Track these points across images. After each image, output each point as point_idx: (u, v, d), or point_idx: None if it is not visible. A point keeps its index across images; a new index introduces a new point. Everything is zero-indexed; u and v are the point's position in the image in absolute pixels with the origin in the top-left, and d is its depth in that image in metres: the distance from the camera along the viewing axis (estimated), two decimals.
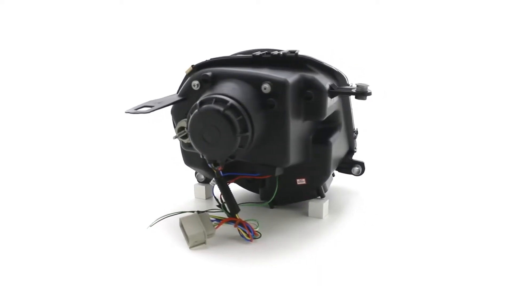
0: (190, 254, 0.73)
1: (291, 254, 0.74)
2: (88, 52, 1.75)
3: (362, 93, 0.78)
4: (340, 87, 0.81)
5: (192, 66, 0.77)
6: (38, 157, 1.15)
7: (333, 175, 0.95)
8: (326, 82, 0.78)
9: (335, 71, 0.82)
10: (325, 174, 0.84)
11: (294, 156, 0.77)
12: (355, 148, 0.97)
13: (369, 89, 0.78)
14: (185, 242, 0.75)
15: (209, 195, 0.93)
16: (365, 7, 1.81)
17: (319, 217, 0.86)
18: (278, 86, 0.72)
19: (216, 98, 0.70)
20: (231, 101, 0.69)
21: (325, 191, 0.88)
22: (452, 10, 1.78)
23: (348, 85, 0.83)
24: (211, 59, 0.78)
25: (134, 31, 1.77)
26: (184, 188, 0.95)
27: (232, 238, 0.77)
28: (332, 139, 0.84)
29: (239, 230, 0.77)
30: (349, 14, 1.81)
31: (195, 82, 0.75)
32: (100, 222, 0.83)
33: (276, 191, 0.84)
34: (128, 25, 1.78)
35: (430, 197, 0.94)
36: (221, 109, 0.68)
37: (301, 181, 0.85)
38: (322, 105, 0.76)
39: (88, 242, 0.76)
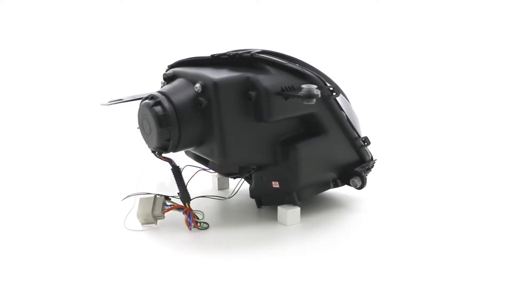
0: (134, 230, 0.81)
1: (216, 250, 0.75)
2: (84, 51, 1.75)
3: (308, 96, 0.73)
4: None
5: (168, 66, 0.86)
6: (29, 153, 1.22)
7: (335, 185, 0.88)
8: (278, 84, 0.75)
9: (302, 72, 0.78)
10: (295, 181, 0.81)
11: (238, 156, 0.78)
12: (373, 160, 0.89)
13: (317, 91, 0.73)
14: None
15: (221, 187, 0.98)
16: (365, 7, 1.74)
17: (284, 224, 0.83)
18: (207, 85, 0.74)
19: (152, 95, 0.77)
20: (160, 98, 0.75)
21: (302, 199, 0.83)
22: (452, 10, 1.74)
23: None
24: (180, 60, 0.85)
25: (134, 31, 1.75)
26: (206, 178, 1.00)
27: (181, 224, 0.82)
28: (301, 144, 0.80)
29: (185, 218, 0.82)
30: (349, 14, 1.75)
31: (162, 81, 0.84)
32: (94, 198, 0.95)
33: (237, 189, 0.85)
34: (128, 24, 1.76)
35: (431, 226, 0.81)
36: (150, 104, 0.76)
37: (275, 184, 0.84)
38: (264, 106, 0.75)
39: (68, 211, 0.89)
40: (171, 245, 0.77)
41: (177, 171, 0.82)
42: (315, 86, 0.73)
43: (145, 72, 0.96)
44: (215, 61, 0.81)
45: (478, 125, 1.36)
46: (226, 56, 0.80)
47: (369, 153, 0.89)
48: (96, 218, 0.86)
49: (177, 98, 0.76)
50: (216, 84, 0.74)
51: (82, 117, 1.44)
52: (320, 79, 0.79)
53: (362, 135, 0.90)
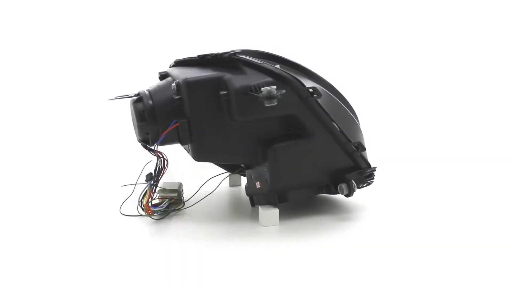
0: (127, 215, 0.86)
1: (175, 239, 0.79)
2: (89, 50, 1.72)
3: (268, 97, 0.73)
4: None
5: (169, 66, 0.91)
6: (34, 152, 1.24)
7: (328, 190, 0.85)
8: (248, 84, 0.76)
9: (276, 73, 0.77)
10: (272, 182, 0.81)
11: (213, 154, 0.81)
12: (371, 168, 0.85)
13: (278, 92, 0.72)
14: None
15: (233, 183, 1.00)
16: (365, 7, 1.72)
17: (261, 224, 0.83)
18: (180, 84, 0.78)
19: (139, 92, 0.83)
20: (143, 95, 0.80)
21: (285, 201, 0.83)
22: (452, 10, 1.72)
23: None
24: (177, 59, 0.88)
25: (134, 31, 1.73)
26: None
27: (174, 216, 0.87)
28: (280, 145, 0.80)
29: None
30: (349, 14, 1.74)
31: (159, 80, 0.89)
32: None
33: (218, 186, 0.87)
34: (128, 24, 1.73)
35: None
36: (134, 100, 0.81)
37: (258, 184, 0.85)
38: (234, 106, 0.76)
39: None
40: (148, 230, 0.82)
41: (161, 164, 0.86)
42: (275, 87, 0.73)
43: (152, 70, 1.02)
44: (203, 61, 0.84)
45: (479, 128, 1.34)
46: (210, 57, 0.83)
47: (365, 160, 0.84)
48: (97, 202, 0.93)
49: (158, 96, 0.80)
50: (187, 83, 0.77)
51: (88, 111, 1.49)
52: (297, 80, 0.77)
53: (363, 140, 0.86)
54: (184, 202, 0.90)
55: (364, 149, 0.84)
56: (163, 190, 0.90)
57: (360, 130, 0.87)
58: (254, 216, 0.85)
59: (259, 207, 0.84)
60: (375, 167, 0.86)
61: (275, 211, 0.82)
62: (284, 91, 0.74)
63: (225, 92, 0.76)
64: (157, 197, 0.88)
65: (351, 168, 0.84)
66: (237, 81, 0.76)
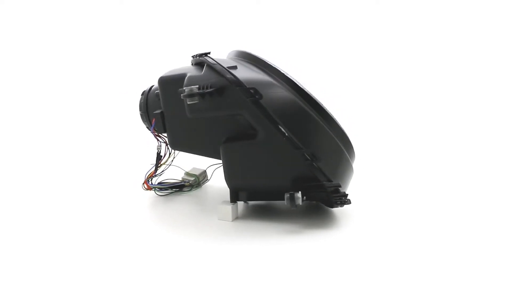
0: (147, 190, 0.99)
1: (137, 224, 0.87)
2: (88, 52, 1.68)
3: (190, 94, 0.77)
4: None
5: None
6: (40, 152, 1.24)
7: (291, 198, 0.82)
8: (199, 83, 0.80)
9: (221, 73, 0.79)
10: (225, 178, 0.84)
11: (185, 146, 0.89)
12: (332, 184, 0.79)
13: (198, 91, 0.76)
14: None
15: None
16: (365, 7, 1.70)
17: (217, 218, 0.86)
18: (158, 81, 0.88)
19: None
20: (146, 90, 0.93)
21: (243, 200, 0.85)
22: (452, 10, 1.68)
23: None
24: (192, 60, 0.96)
25: (134, 32, 1.71)
26: None
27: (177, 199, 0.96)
28: (230, 144, 0.82)
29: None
30: (348, 14, 1.70)
31: None
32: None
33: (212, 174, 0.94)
34: (129, 25, 1.71)
35: None
36: (141, 93, 0.95)
37: None
38: (184, 103, 0.82)
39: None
40: (148, 203, 0.94)
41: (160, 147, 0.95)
42: (197, 86, 0.76)
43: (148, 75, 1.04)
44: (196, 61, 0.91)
45: (478, 131, 1.30)
46: (196, 57, 0.89)
47: (325, 174, 0.77)
48: (123, 178, 1.05)
49: (154, 91, 0.92)
50: (160, 80, 0.87)
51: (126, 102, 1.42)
52: (237, 80, 0.77)
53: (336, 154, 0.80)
54: (192, 186, 0.99)
55: (318, 160, 0.76)
56: (186, 173, 1.02)
57: (332, 142, 0.79)
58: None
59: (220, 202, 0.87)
60: (338, 184, 0.77)
61: (228, 207, 0.84)
62: (211, 89, 0.76)
63: (182, 89, 0.83)
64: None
65: (312, 178, 0.78)
66: (191, 80, 0.81)
